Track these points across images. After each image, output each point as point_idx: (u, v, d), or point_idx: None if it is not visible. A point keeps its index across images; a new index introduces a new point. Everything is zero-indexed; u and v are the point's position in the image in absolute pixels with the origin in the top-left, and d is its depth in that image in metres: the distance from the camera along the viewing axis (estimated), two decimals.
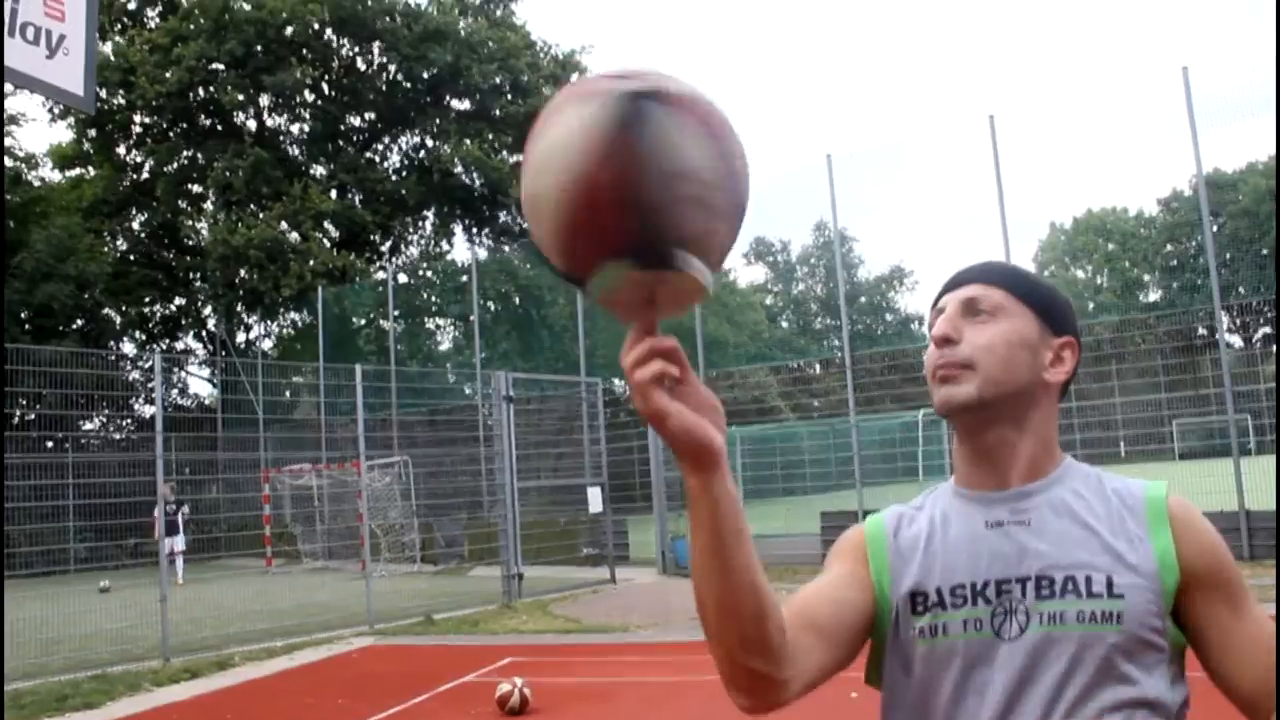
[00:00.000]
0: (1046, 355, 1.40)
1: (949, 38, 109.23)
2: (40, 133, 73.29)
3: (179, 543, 18.63)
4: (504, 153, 33.51)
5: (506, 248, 33.68)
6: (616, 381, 22.53)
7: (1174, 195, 52.59)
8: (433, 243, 36.71)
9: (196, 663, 10.26)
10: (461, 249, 36.62)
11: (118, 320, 32.10)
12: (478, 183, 33.32)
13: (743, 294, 48.90)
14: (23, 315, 27.64)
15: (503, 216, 34.39)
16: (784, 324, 56.34)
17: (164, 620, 10.73)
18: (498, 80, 32.61)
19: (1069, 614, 1.28)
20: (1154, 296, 55.05)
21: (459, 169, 32.77)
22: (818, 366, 35.22)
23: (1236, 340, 42.73)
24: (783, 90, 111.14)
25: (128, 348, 32.05)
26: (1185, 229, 50.37)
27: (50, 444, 23.35)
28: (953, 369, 1.38)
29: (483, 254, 33.25)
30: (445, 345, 35.02)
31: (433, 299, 34.43)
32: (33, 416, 24.85)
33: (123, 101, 30.81)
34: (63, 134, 32.58)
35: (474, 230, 35.85)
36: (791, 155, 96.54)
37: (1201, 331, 31.05)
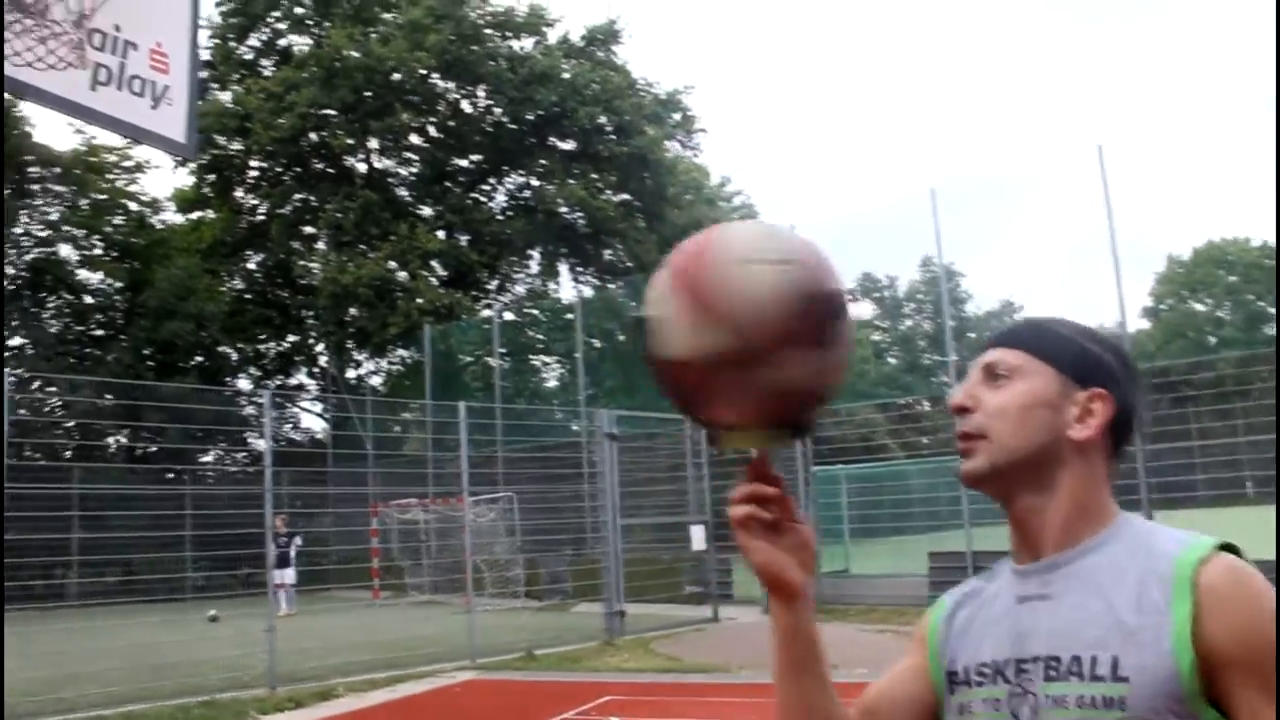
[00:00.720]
0: (1070, 411, 1.30)
1: (1055, 66, 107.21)
2: (165, 178, 76.60)
3: (289, 575, 18.96)
4: (608, 192, 33.81)
5: (611, 286, 33.92)
6: None
7: None
8: (539, 281, 37.16)
9: (300, 692, 10.40)
10: (567, 287, 36.99)
11: (234, 357, 33.17)
12: (582, 222, 33.65)
13: None
14: (145, 352, 28.76)
15: (607, 255, 34.66)
16: (891, 360, 55.64)
17: (271, 650, 10.90)
18: (601, 120, 32.95)
19: (1069, 698, 1.19)
20: None
21: (564, 208, 33.15)
22: (926, 403, 34.65)
23: None
24: (887, 123, 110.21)
25: (243, 383, 33.04)
26: None
27: (170, 475, 24.17)
28: (968, 440, 1.33)
29: (588, 292, 33.48)
30: (551, 382, 35.32)
31: (538, 336, 34.78)
32: (154, 449, 25.75)
33: (240, 147, 31.95)
34: (185, 179, 33.86)
35: (579, 269, 36.18)
36: (897, 189, 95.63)
37: None
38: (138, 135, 5.15)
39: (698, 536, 15.97)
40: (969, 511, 15.59)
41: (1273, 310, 54.36)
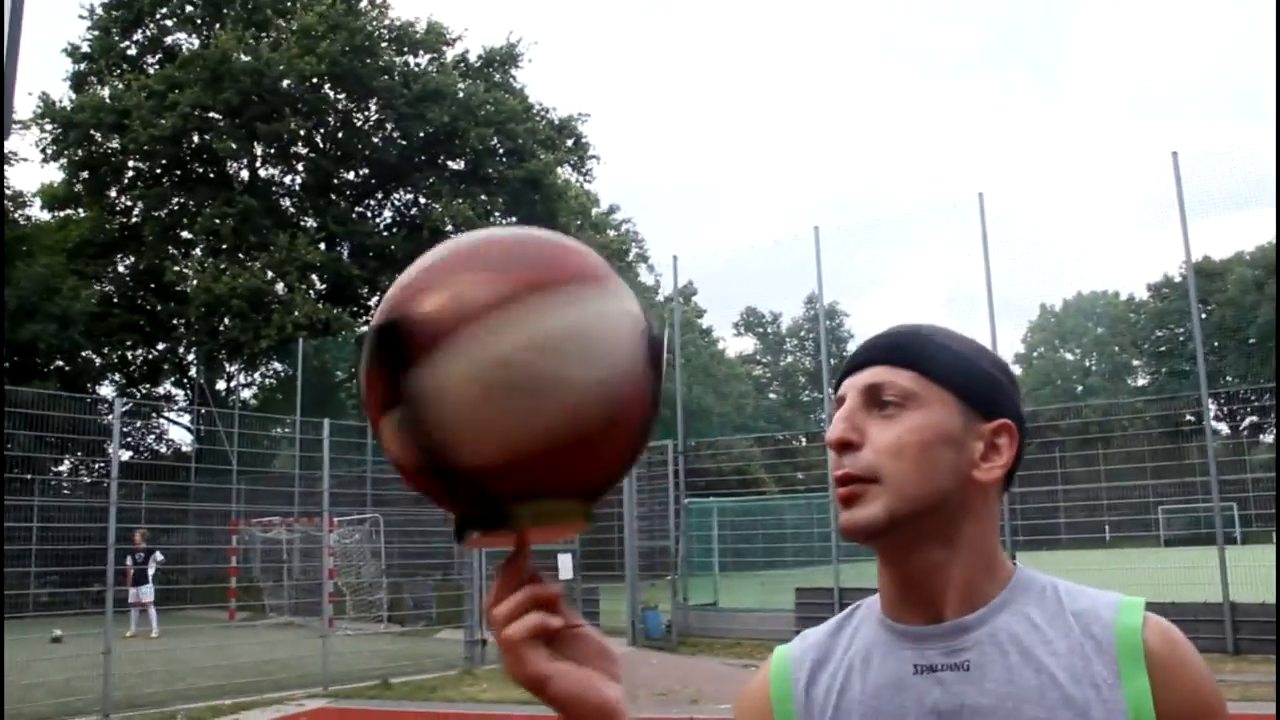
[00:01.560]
0: (976, 448, 1.10)
1: (944, 115, 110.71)
2: (32, 173, 74.02)
3: (146, 593, 18.16)
4: (496, 214, 33.56)
5: None
6: None
7: (1165, 281, 52.94)
8: None
9: None
10: None
11: (98, 363, 31.84)
12: None
13: (730, 364, 48.84)
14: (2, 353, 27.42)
15: None
16: (772, 395, 56.29)
17: (106, 674, 10.34)
18: (493, 142, 32.75)
19: None
20: (1142, 381, 55.17)
21: (450, 228, 32.77)
22: (804, 438, 35.06)
23: (1224, 428, 42.76)
24: (777, 161, 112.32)
25: (108, 391, 31.72)
26: (1175, 315, 50.61)
27: (18, 485, 22.99)
28: (854, 483, 1.09)
29: None
30: None
31: None
32: None
33: (116, 145, 30.78)
34: (55, 175, 32.52)
35: None
36: (785, 226, 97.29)
37: (1189, 417, 30.98)
38: None
39: (565, 565, 15.75)
40: (837, 548, 15.73)
41: (1136, 363, 56.70)
